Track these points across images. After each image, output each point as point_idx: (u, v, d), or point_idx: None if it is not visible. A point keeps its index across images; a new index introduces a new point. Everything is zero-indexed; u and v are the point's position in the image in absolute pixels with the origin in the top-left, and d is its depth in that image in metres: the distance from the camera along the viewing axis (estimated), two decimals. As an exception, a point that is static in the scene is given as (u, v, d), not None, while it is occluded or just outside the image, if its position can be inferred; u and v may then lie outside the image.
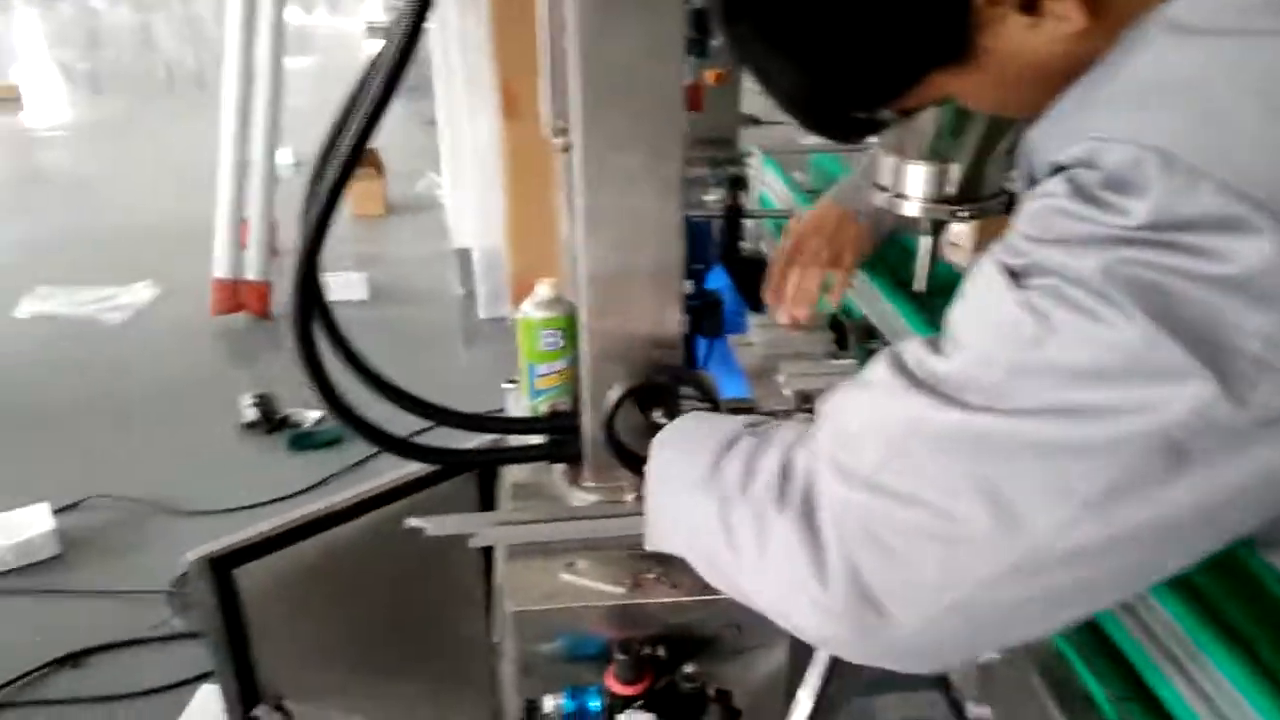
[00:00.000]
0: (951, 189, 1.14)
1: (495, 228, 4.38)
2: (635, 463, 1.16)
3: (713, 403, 1.10)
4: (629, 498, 1.18)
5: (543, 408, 1.27)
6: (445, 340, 4.66)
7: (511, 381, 1.49)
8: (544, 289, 1.23)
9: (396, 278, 5.21)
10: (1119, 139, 0.52)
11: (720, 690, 1.04)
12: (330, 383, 1.11)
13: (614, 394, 1.09)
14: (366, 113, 0.99)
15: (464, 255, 4.69)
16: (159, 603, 2.71)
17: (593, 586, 1.05)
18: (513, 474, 1.26)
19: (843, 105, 0.72)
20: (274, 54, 4.19)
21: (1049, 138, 0.60)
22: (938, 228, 1.23)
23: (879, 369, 0.62)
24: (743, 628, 1.06)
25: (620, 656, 1.00)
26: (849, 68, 0.66)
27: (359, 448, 3.50)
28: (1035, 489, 0.53)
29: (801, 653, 1.09)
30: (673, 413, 1.10)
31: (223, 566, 1.25)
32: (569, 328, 1.23)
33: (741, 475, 0.70)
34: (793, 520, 0.62)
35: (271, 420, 3.53)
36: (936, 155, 1.15)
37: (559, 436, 1.21)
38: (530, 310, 1.23)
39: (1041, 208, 0.56)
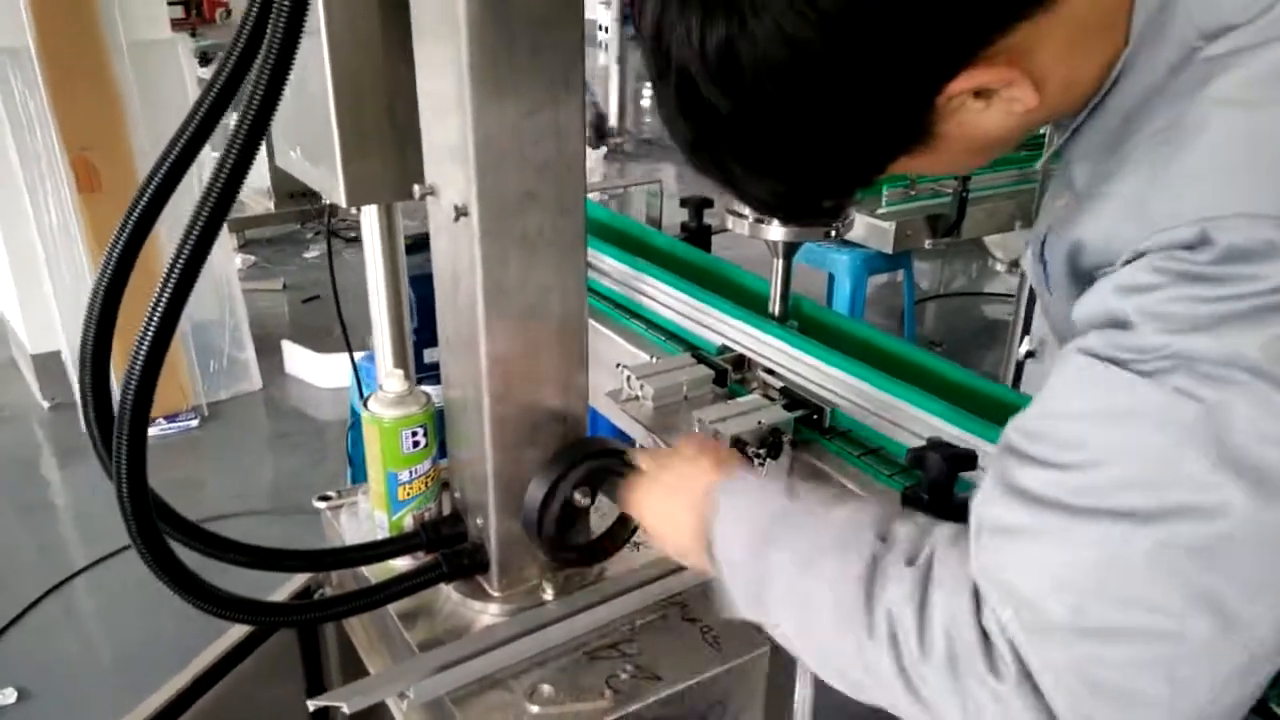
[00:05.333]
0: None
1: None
2: (589, 553, 1.03)
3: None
4: (548, 595, 1.04)
5: (407, 521, 1.08)
6: (41, 466, 3.82)
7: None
8: (394, 381, 1.04)
9: (-60, 406, 4.15)
10: (1227, 214, 0.54)
11: (723, 771, 0.96)
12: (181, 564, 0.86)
13: (541, 485, 0.95)
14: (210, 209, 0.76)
15: (48, 361, 3.89)
16: None
17: (574, 709, 0.91)
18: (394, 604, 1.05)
19: (817, 199, 0.73)
20: None
21: (1120, 231, 0.60)
22: (790, 251, 1.24)
23: (1013, 512, 0.58)
24: (727, 704, 0.98)
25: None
26: (825, 172, 0.67)
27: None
28: (1248, 581, 0.52)
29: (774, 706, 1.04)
30: (595, 491, 0.99)
31: None
32: (431, 421, 1.06)
33: (916, 632, 0.61)
34: (1015, 692, 0.57)
35: None
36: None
37: (453, 550, 1.03)
38: (380, 410, 1.03)
39: (1154, 301, 0.56)
